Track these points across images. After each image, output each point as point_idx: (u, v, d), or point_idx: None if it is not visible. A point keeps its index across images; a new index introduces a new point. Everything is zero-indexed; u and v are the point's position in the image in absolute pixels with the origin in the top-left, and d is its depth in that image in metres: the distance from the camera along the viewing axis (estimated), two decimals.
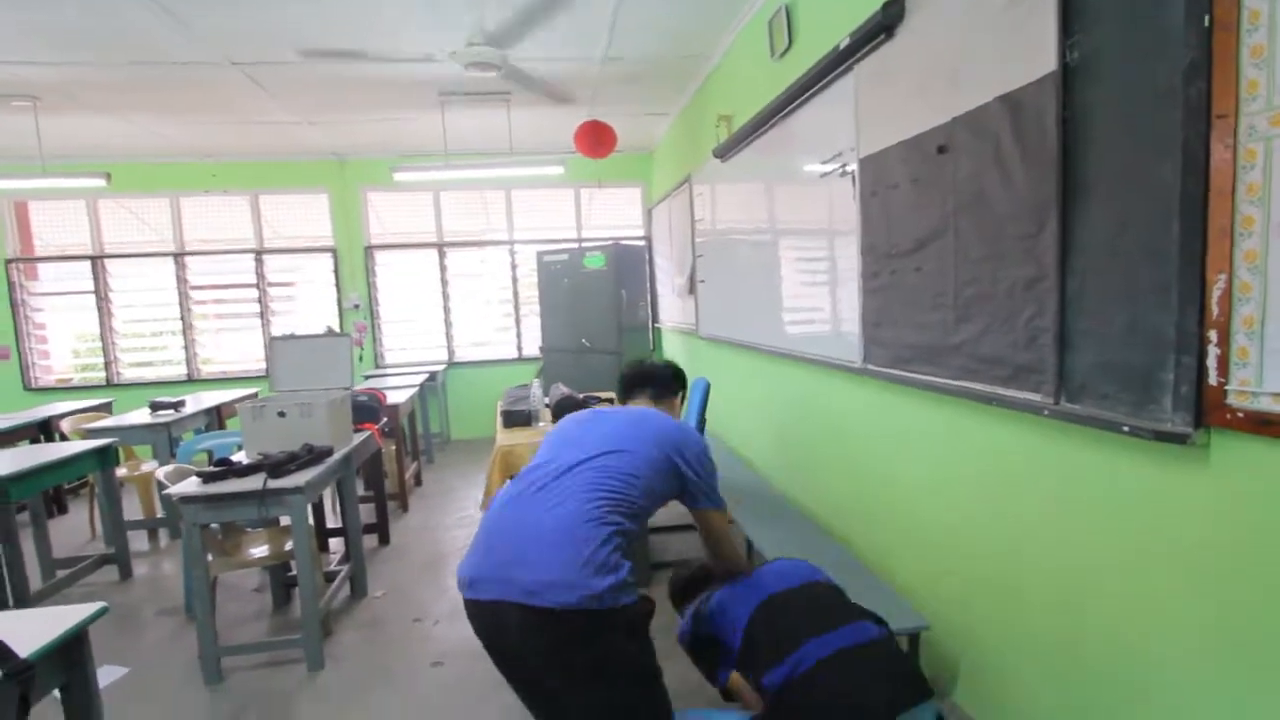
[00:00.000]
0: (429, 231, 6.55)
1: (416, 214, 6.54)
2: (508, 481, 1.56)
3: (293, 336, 3.07)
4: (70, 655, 1.42)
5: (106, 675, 2.60)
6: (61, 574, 3.42)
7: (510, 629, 1.30)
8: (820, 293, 2.88)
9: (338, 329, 6.37)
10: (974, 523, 1.96)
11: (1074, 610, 1.61)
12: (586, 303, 5.66)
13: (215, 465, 2.62)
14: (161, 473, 2.73)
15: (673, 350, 6.38)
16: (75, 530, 4.40)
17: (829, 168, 2.59)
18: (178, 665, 2.61)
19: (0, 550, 2.85)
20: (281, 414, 2.81)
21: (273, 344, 3.03)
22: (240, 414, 2.80)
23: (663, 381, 1.99)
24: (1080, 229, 1.46)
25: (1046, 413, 1.56)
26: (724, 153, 3.73)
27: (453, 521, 4.21)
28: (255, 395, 2.86)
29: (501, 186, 6.49)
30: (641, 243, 6.61)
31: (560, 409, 3.19)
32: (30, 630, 1.34)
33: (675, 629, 1.86)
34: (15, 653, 1.22)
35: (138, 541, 4.07)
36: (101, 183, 4.74)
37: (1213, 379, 1.20)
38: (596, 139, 4.50)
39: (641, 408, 1.84)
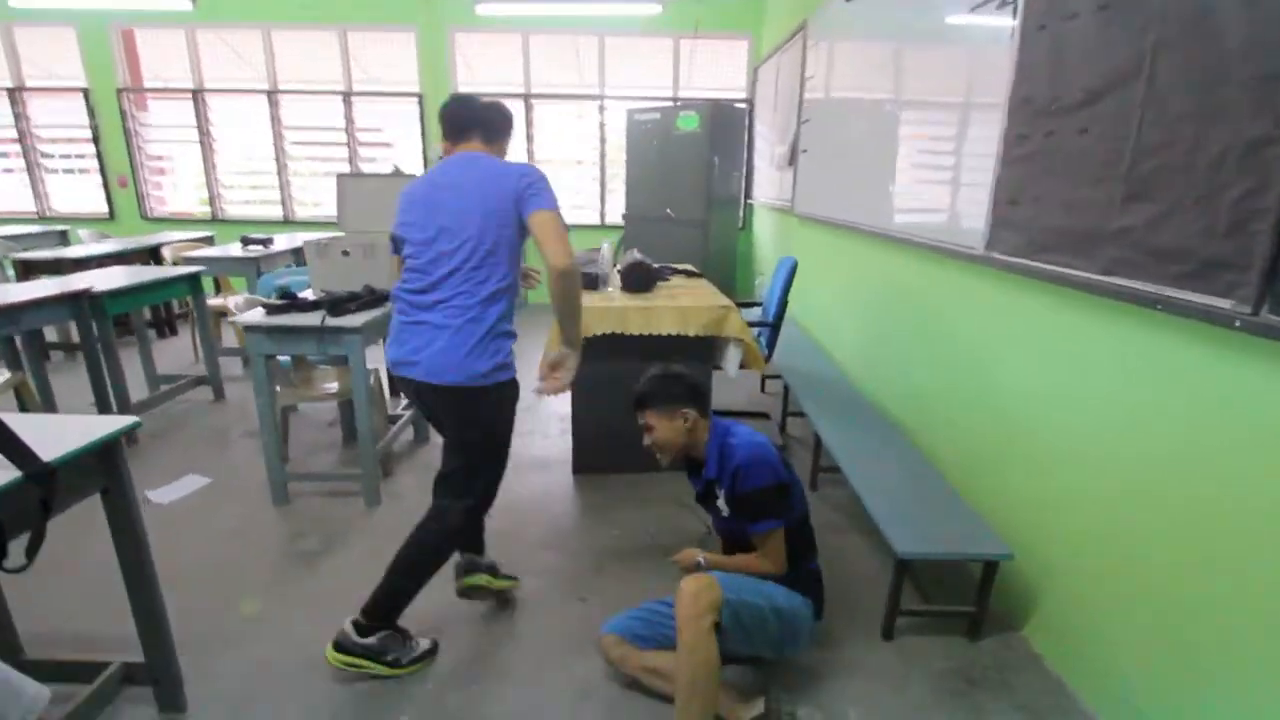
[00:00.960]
0: (517, 82, 6.17)
1: (505, 61, 6.14)
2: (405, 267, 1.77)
3: (359, 174, 2.94)
4: (107, 462, 1.42)
5: (192, 483, 2.80)
6: (166, 388, 3.68)
7: (419, 394, 1.76)
8: (943, 162, 2.42)
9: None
10: (1095, 451, 1.64)
11: (1219, 574, 1.32)
12: (675, 168, 5.23)
13: (281, 299, 2.61)
14: (233, 302, 2.76)
15: (763, 228, 5.93)
16: (181, 352, 4.74)
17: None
18: (253, 483, 2.76)
19: (101, 358, 3.05)
20: (345, 253, 2.74)
21: (340, 182, 2.91)
22: (306, 250, 2.75)
23: (493, 124, 1.81)
24: None
25: (1238, 324, 1.19)
26: None
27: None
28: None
29: (594, 30, 5.93)
30: (742, 105, 5.98)
31: (631, 275, 2.97)
32: (67, 436, 1.33)
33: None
34: (38, 456, 1.20)
35: (233, 367, 4.32)
36: (188, 7, 4.61)
37: None
38: None
39: (472, 155, 1.76)
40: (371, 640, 1.71)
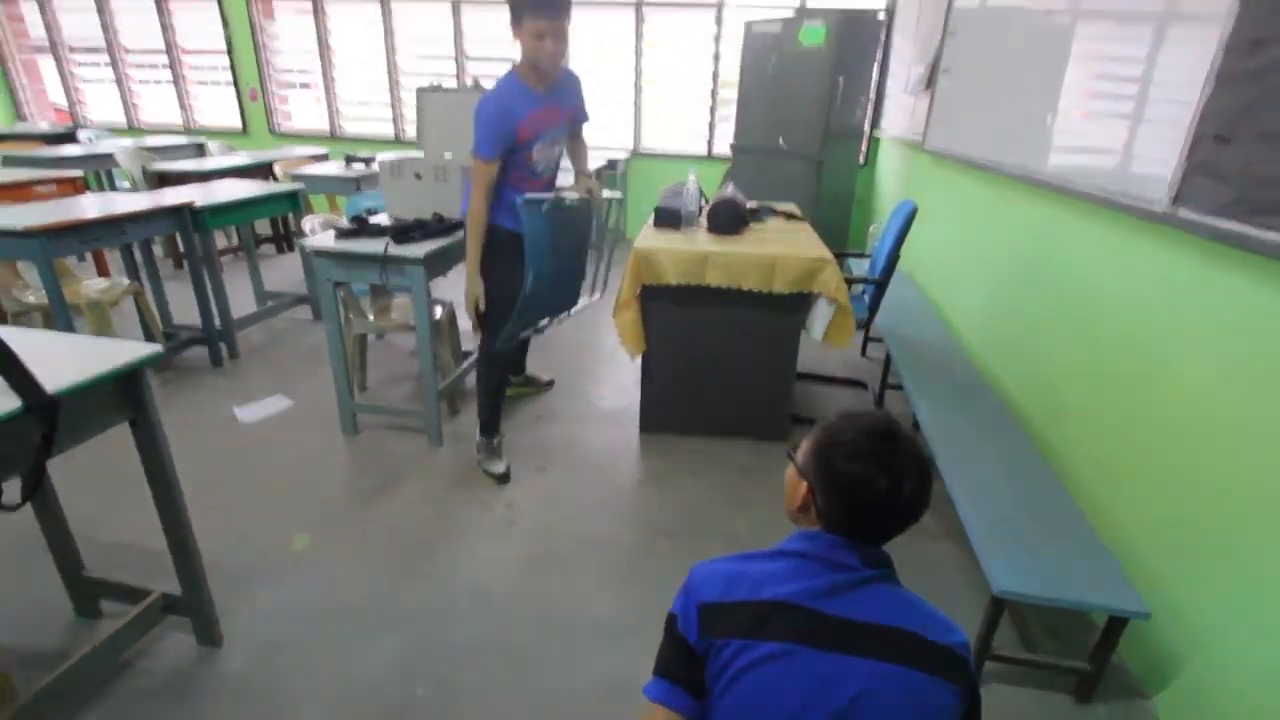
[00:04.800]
0: None
1: None
2: None
3: (438, 89, 2.74)
4: (132, 393, 1.37)
5: (276, 404, 2.89)
6: (270, 304, 3.83)
7: None
8: (1123, 90, 1.86)
9: None
10: None
11: None
12: (793, 91, 4.65)
13: (352, 222, 2.54)
14: (309, 224, 2.73)
15: (888, 166, 5.25)
16: (294, 269, 4.92)
17: None
18: (329, 410, 2.74)
19: (205, 273, 3.17)
20: (418, 175, 2.61)
21: (419, 97, 2.75)
22: (380, 171, 2.64)
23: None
24: None
25: None
26: None
27: (605, 323, 4.03)
28: None
29: None
30: (880, 18, 5.19)
31: (718, 215, 2.64)
32: (85, 363, 1.28)
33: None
34: (43, 388, 1.15)
35: None
36: None
37: None
38: None
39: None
40: (478, 439, 2.45)
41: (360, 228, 2.47)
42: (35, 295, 2.97)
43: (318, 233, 2.67)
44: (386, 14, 6.11)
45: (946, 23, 3.50)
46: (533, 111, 2.05)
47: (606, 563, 1.98)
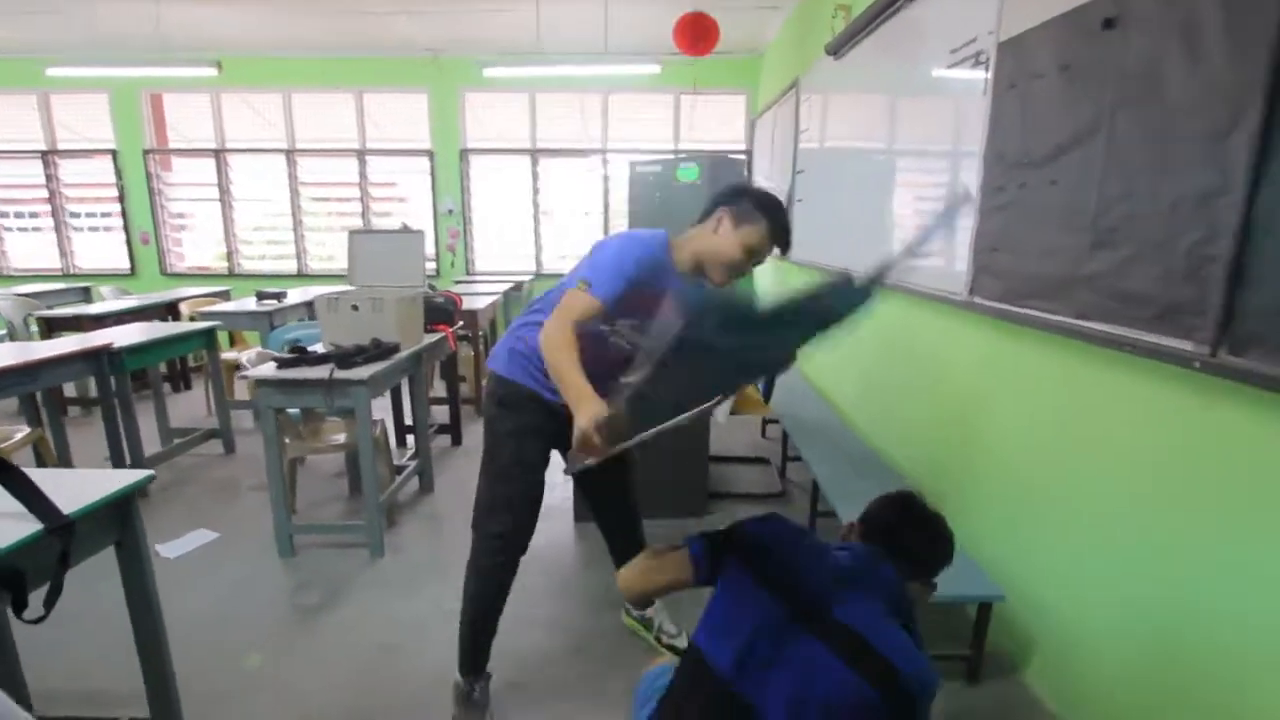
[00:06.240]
0: (525, 138, 6.42)
1: (513, 119, 6.40)
2: None
3: (369, 231, 3.07)
4: (121, 515, 1.48)
5: (200, 538, 2.84)
6: (178, 441, 3.76)
7: None
8: (930, 209, 2.51)
9: (431, 233, 6.48)
10: (1082, 492, 1.66)
11: (1190, 609, 1.33)
12: (677, 218, 5.31)
13: (291, 353, 2.71)
14: (245, 356, 2.86)
15: (762, 274, 6.04)
16: (194, 405, 4.83)
17: (959, 58, 2.17)
18: (260, 536, 2.78)
19: (118, 412, 3.14)
20: (355, 307, 2.84)
21: (351, 238, 3.05)
22: (317, 305, 2.85)
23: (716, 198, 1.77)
24: None
25: (1198, 365, 1.24)
26: (838, 47, 3.28)
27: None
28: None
29: (599, 89, 6.19)
30: (741, 157, 6.17)
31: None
32: (84, 491, 1.39)
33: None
34: (59, 510, 1.27)
35: (244, 420, 4.40)
36: (214, 72, 4.89)
37: None
38: (698, 32, 4.10)
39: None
40: (456, 679, 1.84)
41: (300, 356, 2.64)
42: None
43: (254, 364, 2.80)
44: (291, 161, 6.44)
45: (794, 163, 4.32)
46: (670, 289, 1.51)
47: (568, 639, 2.15)
